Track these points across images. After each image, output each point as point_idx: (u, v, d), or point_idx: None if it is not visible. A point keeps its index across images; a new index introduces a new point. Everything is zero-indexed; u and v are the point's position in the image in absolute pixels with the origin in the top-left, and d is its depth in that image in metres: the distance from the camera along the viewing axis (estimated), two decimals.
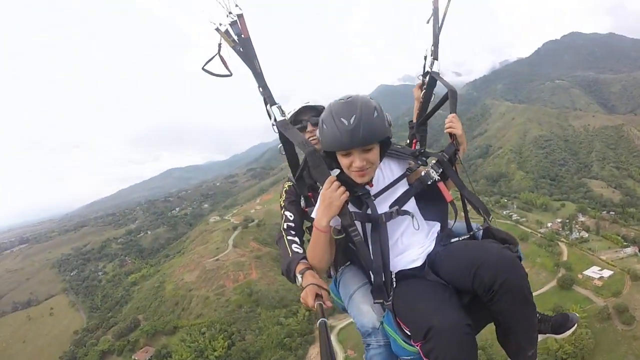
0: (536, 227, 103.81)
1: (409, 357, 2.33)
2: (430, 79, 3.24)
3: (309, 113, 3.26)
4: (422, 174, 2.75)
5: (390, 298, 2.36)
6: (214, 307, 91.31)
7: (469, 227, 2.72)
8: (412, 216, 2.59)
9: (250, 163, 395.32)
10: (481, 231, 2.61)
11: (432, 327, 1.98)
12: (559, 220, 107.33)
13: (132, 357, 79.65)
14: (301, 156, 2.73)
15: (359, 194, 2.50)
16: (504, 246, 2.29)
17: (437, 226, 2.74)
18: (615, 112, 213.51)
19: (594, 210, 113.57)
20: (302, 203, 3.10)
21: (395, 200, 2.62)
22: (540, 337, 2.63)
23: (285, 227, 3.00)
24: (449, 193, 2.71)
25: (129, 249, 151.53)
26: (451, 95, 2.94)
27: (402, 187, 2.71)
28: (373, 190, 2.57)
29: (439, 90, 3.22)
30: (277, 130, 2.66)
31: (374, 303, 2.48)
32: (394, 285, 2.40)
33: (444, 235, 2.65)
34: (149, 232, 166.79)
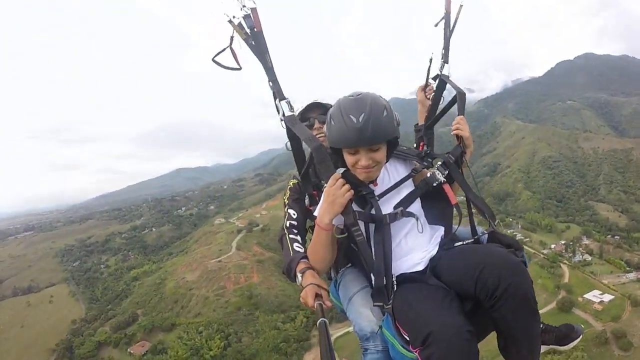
0: (539, 248, 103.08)
1: None
2: (440, 82, 3.24)
3: (317, 111, 3.28)
4: (428, 175, 2.70)
5: (391, 301, 2.27)
6: (213, 308, 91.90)
7: (473, 231, 2.66)
8: (417, 218, 2.55)
9: (259, 168, 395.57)
10: (486, 236, 2.55)
11: (431, 333, 1.88)
12: (563, 242, 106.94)
13: (128, 350, 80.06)
14: (308, 153, 2.83)
15: (363, 193, 2.46)
16: (509, 250, 2.24)
17: (440, 230, 2.69)
18: (626, 136, 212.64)
19: (598, 234, 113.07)
20: (307, 201, 3.08)
21: (400, 202, 2.57)
22: (544, 347, 2.59)
23: (287, 225, 2.99)
24: (454, 196, 2.67)
25: (132, 245, 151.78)
26: (459, 97, 2.96)
27: (407, 188, 2.67)
28: (377, 190, 2.54)
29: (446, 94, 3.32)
30: (284, 126, 2.67)
31: (374, 306, 2.40)
32: (395, 289, 2.33)
33: (448, 240, 2.58)
34: (153, 229, 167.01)
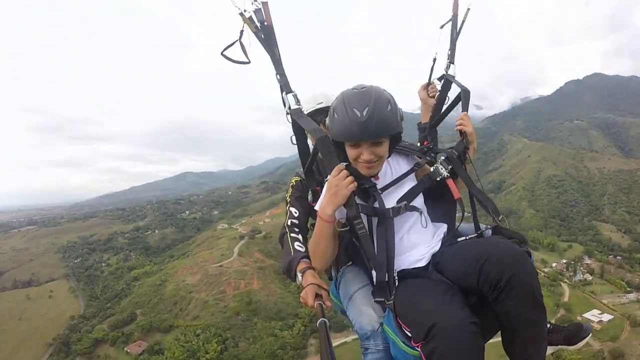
0: (540, 266, 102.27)
1: None
2: (446, 82, 3.25)
3: (323, 114, 3.22)
4: (431, 169, 2.68)
5: (392, 297, 2.23)
6: (211, 311, 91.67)
7: (476, 226, 2.62)
8: (421, 212, 2.55)
9: (264, 176, 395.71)
10: (489, 231, 2.53)
11: (434, 325, 1.82)
12: (564, 261, 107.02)
13: (125, 349, 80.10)
14: (312, 150, 2.82)
15: (366, 186, 2.43)
16: (513, 240, 2.21)
17: (443, 227, 2.66)
18: (633, 156, 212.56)
19: (600, 254, 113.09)
20: (309, 197, 3.09)
21: (402, 196, 2.54)
22: (552, 348, 2.52)
23: (289, 223, 3.00)
24: (457, 191, 2.64)
25: (134, 245, 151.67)
26: (464, 95, 2.98)
27: (410, 183, 2.64)
28: (379, 184, 2.52)
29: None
30: (290, 119, 2.65)
31: (375, 301, 2.36)
32: (396, 284, 2.29)
33: (451, 237, 2.56)
34: (156, 231, 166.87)
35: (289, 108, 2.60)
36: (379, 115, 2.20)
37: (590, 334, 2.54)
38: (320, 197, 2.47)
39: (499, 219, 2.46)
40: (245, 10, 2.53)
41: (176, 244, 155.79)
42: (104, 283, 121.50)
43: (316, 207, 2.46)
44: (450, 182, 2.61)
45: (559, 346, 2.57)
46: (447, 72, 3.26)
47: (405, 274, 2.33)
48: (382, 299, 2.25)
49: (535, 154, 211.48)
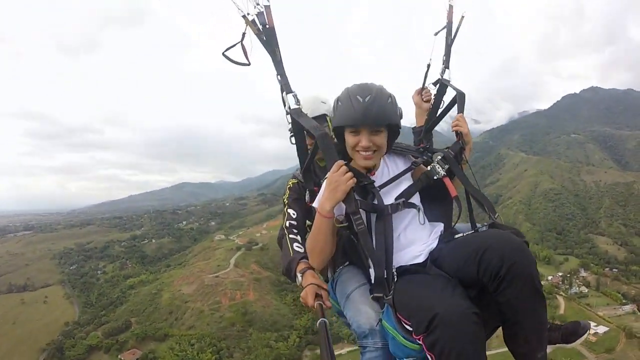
0: None
1: (407, 359, 2.21)
2: (441, 86, 3.34)
3: (322, 119, 3.37)
4: (428, 168, 2.72)
5: (391, 293, 2.24)
6: (207, 321, 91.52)
7: (473, 224, 2.62)
8: (419, 209, 2.59)
9: (262, 188, 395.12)
10: (486, 227, 2.53)
11: (436, 315, 1.81)
12: (560, 274, 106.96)
13: (119, 356, 79.91)
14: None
15: (364, 183, 2.49)
16: (511, 231, 2.26)
17: (440, 226, 2.68)
18: (629, 169, 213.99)
19: (596, 267, 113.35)
20: (307, 197, 3.08)
21: (400, 194, 2.58)
22: (550, 347, 2.47)
23: (287, 225, 3.04)
24: (455, 189, 2.68)
25: (131, 254, 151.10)
26: (459, 97, 3.04)
27: (407, 182, 2.69)
28: (377, 183, 2.56)
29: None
30: (289, 119, 2.75)
31: (373, 297, 2.37)
32: (395, 280, 2.30)
33: (448, 234, 2.57)
34: (153, 241, 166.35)
35: (289, 108, 2.69)
36: (380, 103, 2.34)
37: (588, 332, 2.50)
38: (319, 193, 2.54)
39: (495, 216, 2.51)
40: (248, 14, 2.61)
41: (173, 253, 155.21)
42: (99, 290, 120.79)
43: (315, 204, 2.54)
44: (447, 180, 2.67)
45: (557, 345, 2.55)
46: (442, 76, 3.35)
47: (404, 270, 2.35)
48: (381, 295, 2.27)
49: (532, 167, 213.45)
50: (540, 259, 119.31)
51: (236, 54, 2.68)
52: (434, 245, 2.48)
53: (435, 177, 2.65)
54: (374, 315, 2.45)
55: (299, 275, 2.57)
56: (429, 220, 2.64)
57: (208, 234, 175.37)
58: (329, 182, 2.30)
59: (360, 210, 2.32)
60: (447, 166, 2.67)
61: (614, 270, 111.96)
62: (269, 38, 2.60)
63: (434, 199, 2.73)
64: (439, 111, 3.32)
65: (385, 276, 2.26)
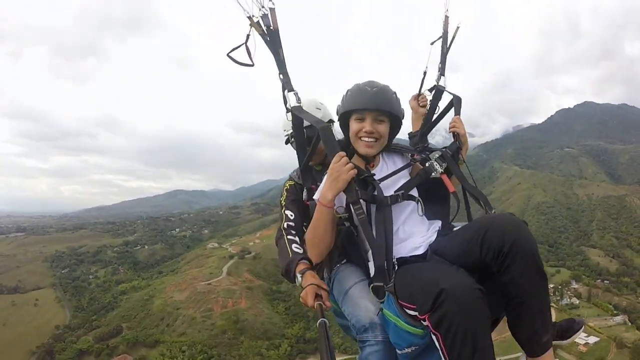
0: None
1: (408, 349, 2.20)
2: (437, 92, 3.43)
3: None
4: (427, 164, 2.81)
5: (392, 281, 2.25)
6: (198, 329, 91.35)
7: (470, 219, 2.77)
8: (417, 201, 2.64)
9: (256, 197, 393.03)
10: None
11: (442, 291, 1.79)
12: (552, 285, 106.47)
13: None
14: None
15: (365, 175, 2.58)
16: (510, 213, 2.26)
17: (438, 223, 2.72)
18: (622, 183, 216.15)
19: (588, 278, 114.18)
20: (304, 196, 3.16)
21: (399, 187, 2.67)
22: None
23: (285, 226, 3.04)
24: (452, 185, 2.77)
25: (123, 259, 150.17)
26: (456, 101, 3.18)
27: (405, 178, 2.79)
28: (377, 177, 2.64)
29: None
30: (290, 117, 2.82)
31: (373, 286, 2.36)
32: (395, 269, 2.33)
33: (445, 230, 2.62)
34: (146, 247, 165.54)
35: (290, 105, 2.77)
36: (385, 94, 2.58)
37: (583, 328, 2.51)
38: (320, 185, 2.65)
39: (492, 211, 2.57)
40: (253, 16, 2.67)
41: (165, 260, 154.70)
42: (90, 295, 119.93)
43: (316, 196, 2.62)
44: (444, 177, 2.77)
45: (554, 341, 2.44)
46: (438, 83, 3.47)
47: (404, 262, 2.39)
48: (381, 284, 2.30)
49: (526, 181, 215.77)
50: None
51: (240, 55, 2.76)
52: (433, 238, 2.54)
53: (433, 174, 2.78)
54: (373, 309, 2.46)
55: (298, 275, 2.54)
56: (427, 219, 2.74)
57: (201, 242, 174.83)
58: (330, 172, 2.38)
59: (361, 200, 2.40)
60: (444, 164, 2.82)
61: (606, 282, 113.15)
62: (273, 39, 2.70)
63: (431, 197, 2.80)
64: (435, 116, 3.44)
65: (386, 265, 2.29)
